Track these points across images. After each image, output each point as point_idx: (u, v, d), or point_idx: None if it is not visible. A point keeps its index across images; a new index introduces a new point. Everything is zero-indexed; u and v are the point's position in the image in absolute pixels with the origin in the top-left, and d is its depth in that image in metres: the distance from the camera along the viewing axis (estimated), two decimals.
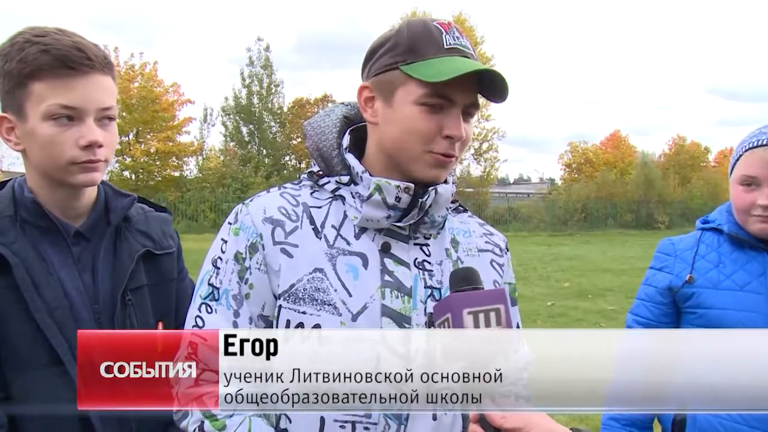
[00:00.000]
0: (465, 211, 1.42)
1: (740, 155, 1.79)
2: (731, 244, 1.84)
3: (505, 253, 1.40)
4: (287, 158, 32.60)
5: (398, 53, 1.19)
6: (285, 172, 30.43)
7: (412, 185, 1.21)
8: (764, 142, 1.75)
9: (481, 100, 1.23)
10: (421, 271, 1.24)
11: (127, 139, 28.09)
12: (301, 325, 1.18)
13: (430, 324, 1.21)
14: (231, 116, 31.18)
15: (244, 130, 31.53)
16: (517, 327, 1.41)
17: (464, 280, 1.00)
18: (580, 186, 33.80)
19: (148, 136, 28.69)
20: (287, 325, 1.19)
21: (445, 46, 1.18)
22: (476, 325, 0.93)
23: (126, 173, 28.50)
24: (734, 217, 1.84)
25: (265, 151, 31.67)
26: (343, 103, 1.36)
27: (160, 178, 28.82)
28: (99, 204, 1.42)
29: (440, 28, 1.20)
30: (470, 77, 1.15)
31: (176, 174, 29.58)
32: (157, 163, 28.76)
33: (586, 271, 13.47)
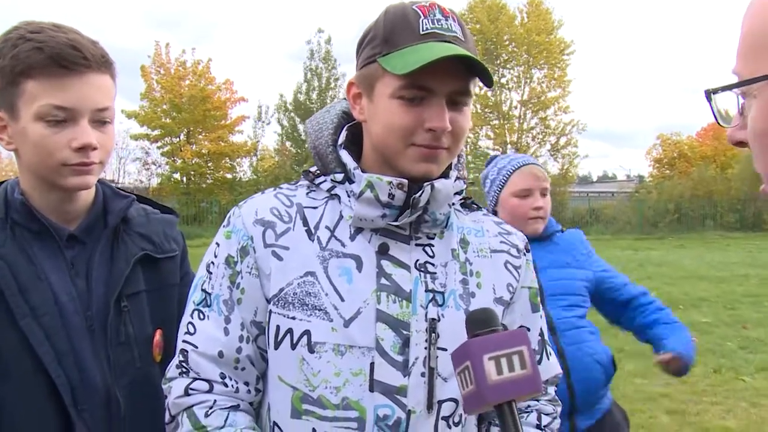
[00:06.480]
0: (479, 209, 1.41)
1: (509, 176, 2.36)
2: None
3: (524, 255, 1.37)
4: None
5: (376, 44, 1.19)
6: None
7: (405, 181, 1.20)
8: (528, 162, 2.43)
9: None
10: (422, 273, 1.23)
11: (177, 140, 28.63)
12: (290, 330, 1.20)
13: (431, 331, 1.21)
14: (286, 114, 31.45)
15: (301, 128, 31.80)
16: (541, 335, 1.39)
17: (481, 322, 0.97)
18: (672, 183, 32.56)
19: (200, 137, 29.03)
20: (276, 331, 1.21)
21: (421, 32, 1.15)
22: (499, 371, 0.90)
23: (177, 176, 29.13)
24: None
25: None
26: (345, 99, 1.35)
27: (212, 181, 29.26)
28: (96, 206, 1.44)
29: (418, 11, 1.17)
30: (453, 62, 1.12)
31: (229, 176, 29.96)
32: (209, 164, 29.15)
33: (677, 278, 12.97)
